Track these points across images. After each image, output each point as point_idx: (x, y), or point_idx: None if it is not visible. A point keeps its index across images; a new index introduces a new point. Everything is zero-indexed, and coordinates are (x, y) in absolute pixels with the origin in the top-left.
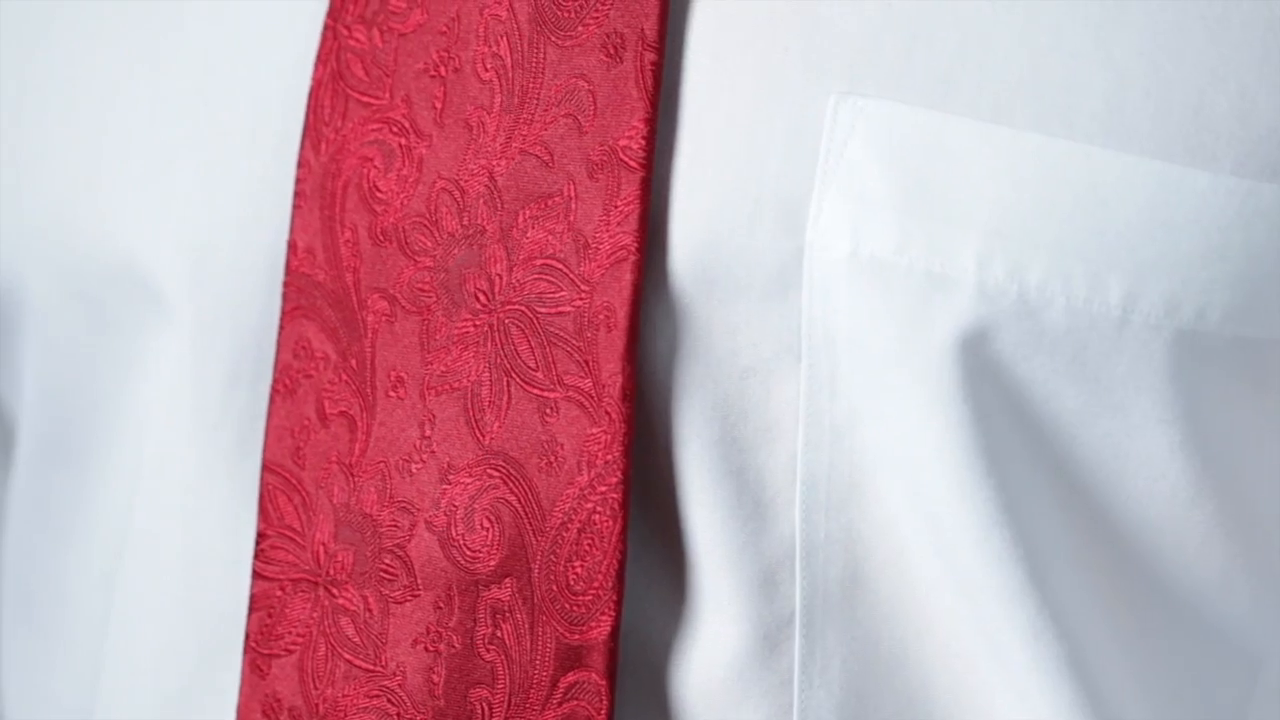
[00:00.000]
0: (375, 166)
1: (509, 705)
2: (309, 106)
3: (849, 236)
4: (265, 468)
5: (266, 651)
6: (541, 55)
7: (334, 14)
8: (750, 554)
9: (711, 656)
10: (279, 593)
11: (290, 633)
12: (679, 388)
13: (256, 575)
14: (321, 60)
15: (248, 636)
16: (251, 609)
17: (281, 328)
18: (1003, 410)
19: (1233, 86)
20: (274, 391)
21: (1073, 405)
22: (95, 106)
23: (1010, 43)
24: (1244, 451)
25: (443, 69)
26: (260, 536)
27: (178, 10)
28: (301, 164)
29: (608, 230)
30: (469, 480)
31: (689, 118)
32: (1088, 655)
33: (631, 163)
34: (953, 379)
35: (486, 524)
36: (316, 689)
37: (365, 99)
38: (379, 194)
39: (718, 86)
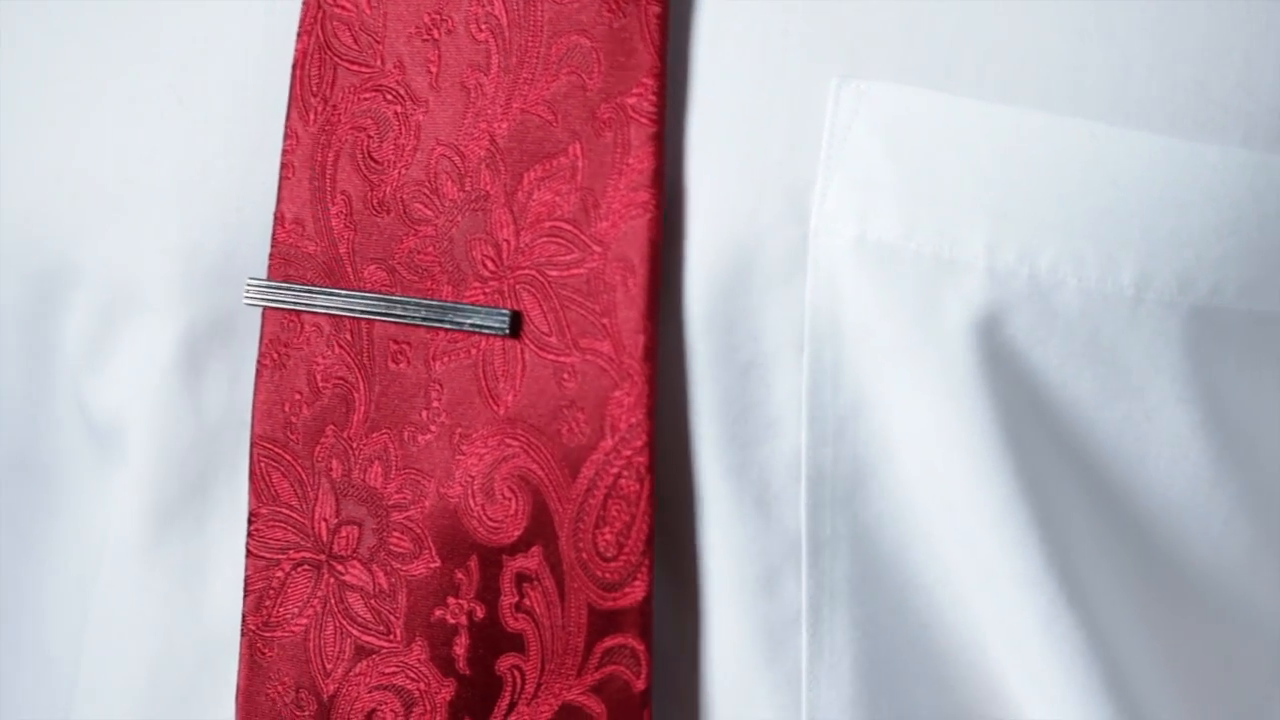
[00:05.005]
0: (370, 135)
1: (543, 671)
2: (294, 78)
3: (855, 221)
4: (254, 442)
5: (269, 634)
6: (539, 12)
7: None
8: (753, 552)
9: (717, 654)
10: (278, 574)
11: (294, 614)
12: (675, 386)
13: (250, 554)
14: (305, 30)
15: (244, 619)
16: (246, 590)
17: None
18: (1019, 394)
19: (1238, 58)
20: (260, 365)
21: (1089, 387)
22: (70, 107)
23: (1012, 21)
24: (1267, 430)
25: (435, 31)
26: (253, 515)
27: (150, 7)
28: (288, 135)
29: (620, 189)
30: (484, 450)
31: (690, 105)
32: (1108, 639)
33: (642, 119)
34: (966, 364)
35: (508, 494)
36: (326, 669)
37: (355, 66)
38: (375, 163)
39: (718, 73)
